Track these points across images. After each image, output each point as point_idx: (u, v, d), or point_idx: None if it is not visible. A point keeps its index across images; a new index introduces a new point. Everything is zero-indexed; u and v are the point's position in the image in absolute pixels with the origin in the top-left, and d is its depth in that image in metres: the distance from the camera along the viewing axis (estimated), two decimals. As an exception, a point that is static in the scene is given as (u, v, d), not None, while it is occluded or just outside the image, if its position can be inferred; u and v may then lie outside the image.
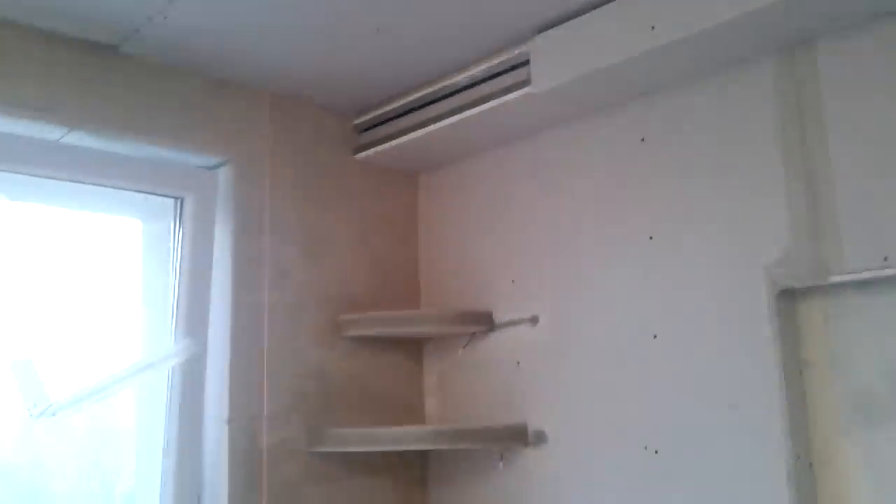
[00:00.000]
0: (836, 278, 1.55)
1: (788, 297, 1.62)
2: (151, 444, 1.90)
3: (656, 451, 1.74)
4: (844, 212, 1.54)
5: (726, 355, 1.66)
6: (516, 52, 1.85)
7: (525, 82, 1.84)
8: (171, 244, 1.97)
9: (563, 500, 1.89)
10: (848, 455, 1.56)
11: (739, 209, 1.68)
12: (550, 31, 1.80)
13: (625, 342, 1.82)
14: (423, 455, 2.19)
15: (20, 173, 1.78)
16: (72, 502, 1.94)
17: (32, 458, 1.90)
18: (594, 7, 1.72)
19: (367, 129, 2.20)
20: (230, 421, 1.87)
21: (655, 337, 1.77)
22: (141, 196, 1.97)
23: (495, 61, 1.90)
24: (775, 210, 1.62)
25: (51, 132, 1.76)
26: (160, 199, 1.99)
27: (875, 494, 1.52)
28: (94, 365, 1.83)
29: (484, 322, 2.09)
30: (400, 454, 2.12)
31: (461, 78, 1.96)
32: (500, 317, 2.08)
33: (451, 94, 1.99)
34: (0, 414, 1.85)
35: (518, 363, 2.03)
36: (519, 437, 1.97)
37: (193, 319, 1.91)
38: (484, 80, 1.93)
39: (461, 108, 1.96)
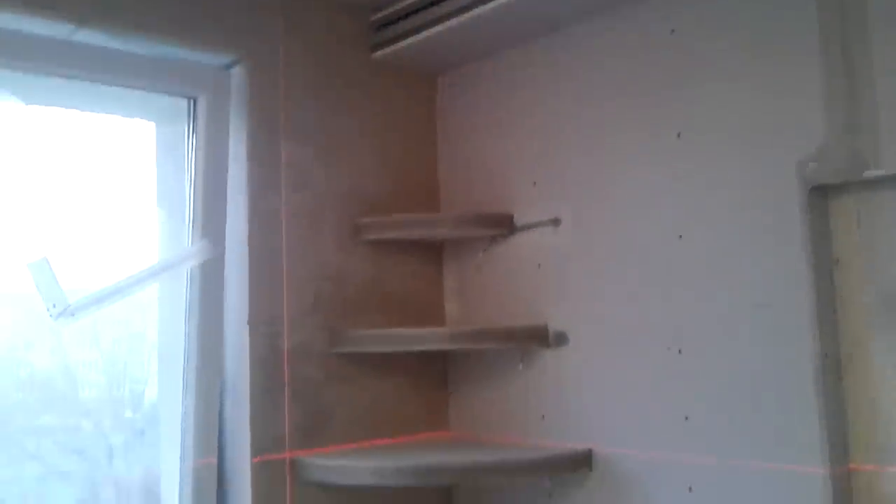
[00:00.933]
0: (871, 174, 1.50)
1: (821, 194, 1.58)
2: (173, 347, 1.91)
3: (679, 351, 1.73)
4: (882, 107, 1.48)
5: (754, 254, 1.62)
6: (540, -61, 1.77)
7: (549, -29, 1.76)
8: (186, 146, 1.93)
9: (584, 400, 1.89)
10: (876, 353, 1.54)
11: (772, 104, 1.61)
12: (577, -85, 1.71)
13: (649, 243, 1.79)
14: (443, 356, 2.19)
15: (31, 72, 1.74)
16: (101, 409, 1.96)
17: (62, 367, 1.92)
18: None
19: (384, 26, 2.12)
20: (250, 323, 1.86)
21: (681, 237, 1.74)
22: (154, 97, 1.93)
23: (518, -51, 1.81)
24: (810, 105, 1.56)
25: (60, 29, 1.70)
26: (173, 100, 1.95)
27: (903, 392, 1.51)
28: (112, 266, 1.81)
29: (504, 225, 2.05)
30: (420, 356, 2.12)
31: (483, -31, 1.88)
32: (520, 219, 2.05)
33: (473, -14, 1.91)
34: (30, 325, 1.87)
35: (539, 265, 2.00)
36: (539, 338, 1.96)
37: (210, 222, 1.89)
38: (507, -29, 1.85)
39: (483, 1, 1.88)
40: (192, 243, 1.87)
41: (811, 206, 1.56)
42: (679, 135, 1.75)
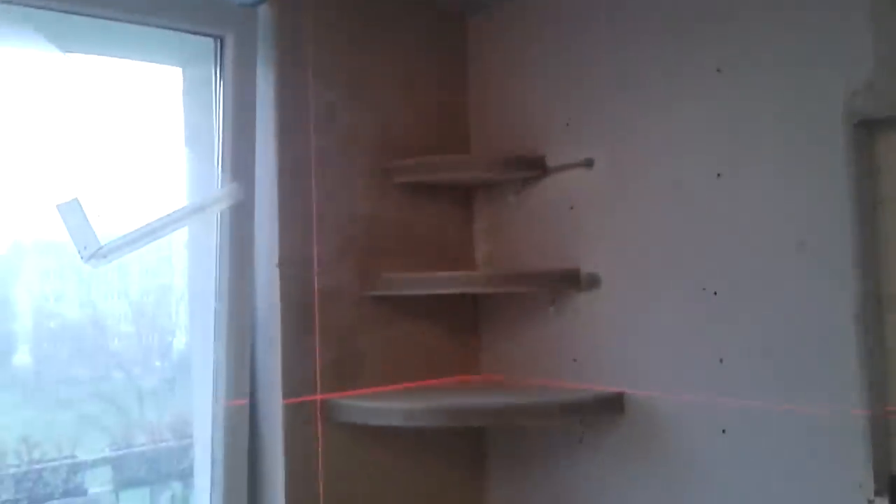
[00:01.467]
0: (921, 108, 1.45)
1: (866, 129, 1.52)
2: (204, 290, 1.91)
3: (715, 293, 1.70)
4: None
5: (796, 192, 1.58)
6: None
7: None
8: (213, 88, 1.91)
9: (616, 343, 1.87)
10: (921, 294, 1.50)
11: (817, 35, 1.55)
12: None
13: (687, 182, 1.75)
14: (474, 300, 2.18)
15: (52, 9, 1.71)
16: (131, 358, 1.99)
17: (92, 318, 1.94)
18: None
19: (412, -37, 2.07)
20: (280, 266, 1.86)
21: (720, 176, 1.69)
22: (181, 39, 1.90)
23: None
24: (857, 36, 1.50)
25: (84, -34, 1.68)
26: (200, 41, 1.91)
27: (947, 333, 1.47)
28: (142, 209, 1.81)
29: (536, 167, 2.02)
30: (451, 299, 2.11)
31: None
32: (552, 161, 2.01)
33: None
34: (60, 277, 1.88)
35: (571, 208, 1.97)
36: (571, 280, 1.94)
37: (239, 164, 1.87)
38: None
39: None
40: (221, 186, 1.86)
41: (856, 141, 1.51)
42: (719, 70, 1.69)
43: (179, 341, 2.10)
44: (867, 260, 1.51)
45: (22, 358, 1.91)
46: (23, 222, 1.82)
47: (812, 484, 1.56)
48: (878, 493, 1.47)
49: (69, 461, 1.91)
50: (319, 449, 1.87)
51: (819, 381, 1.55)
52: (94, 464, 2.00)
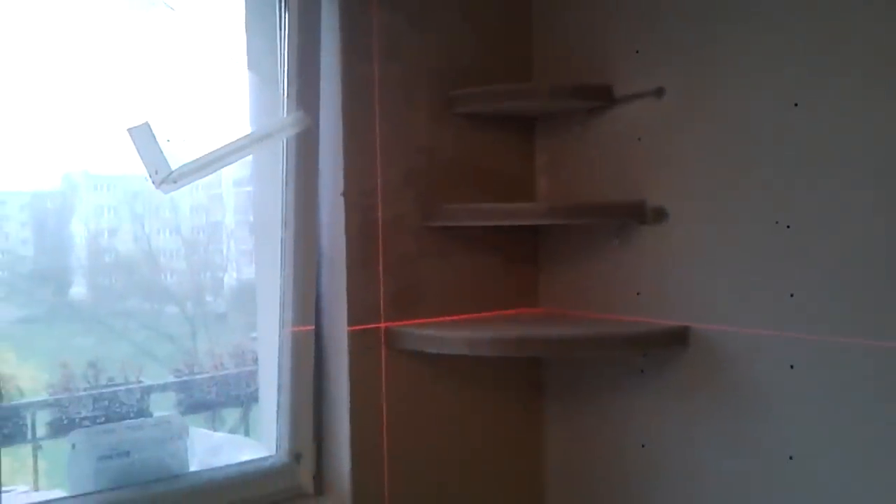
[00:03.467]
0: None
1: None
2: (269, 218, 1.92)
3: (788, 226, 1.66)
4: None
5: (875, 120, 1.53)
6: None
7: None
8: (277, 12, 1.89)
9: (682, 277, 1.85)
10: None
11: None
12: None
13: (761, 111, 1.70)
14: (534, 232, 2.17)
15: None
16: (182, 293, 2.02)
17: (146, 254, 1.97)
18: None
19: None
20: (345, 195, 1.86)
21: (797, 105, 1.64)
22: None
23: None
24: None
25: None
26: (262, -34, 1.90)
27: None
28: (207, 135, 1.82)
29: (602, 96, 1.97)
30: (512, 231, 2.10)
31: None
32: (620, 90, 1.96)
33: None
34: (114, 212, 1.91)
35: (639, 139, 1.93)
36: (636, 213, 1.91)
37: (304, 92, 1.86)
38: None
39: None
40: (286, 113, 1.86)
41: (945, 68, 1.45)
42: (800, -6, 1.63)
43: (231, 277, 2.13)
44: (952, 192, 1.46)
45: (79, 291, 1.96)
46: (75, 156, 1.84)
47: (882, 421, 1.54)
48: (950, 430, 1.45)
49: (137, 386, 1.97)
50: (383, 375, 1.90)
51: (892, 317, 1.52)
52: (161, 388, 2.07)
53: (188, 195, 2.04)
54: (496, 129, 2.11)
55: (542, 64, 2.15)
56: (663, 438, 1.89)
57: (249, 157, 1.96)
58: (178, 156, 1.73)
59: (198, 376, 2.11)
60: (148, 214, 1.98)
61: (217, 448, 1.95)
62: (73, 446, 1.69)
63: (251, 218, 2.11)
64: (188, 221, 2.06)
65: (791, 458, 1.67)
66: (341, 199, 1.86)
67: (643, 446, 1.93)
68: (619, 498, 1.99)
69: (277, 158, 1.89)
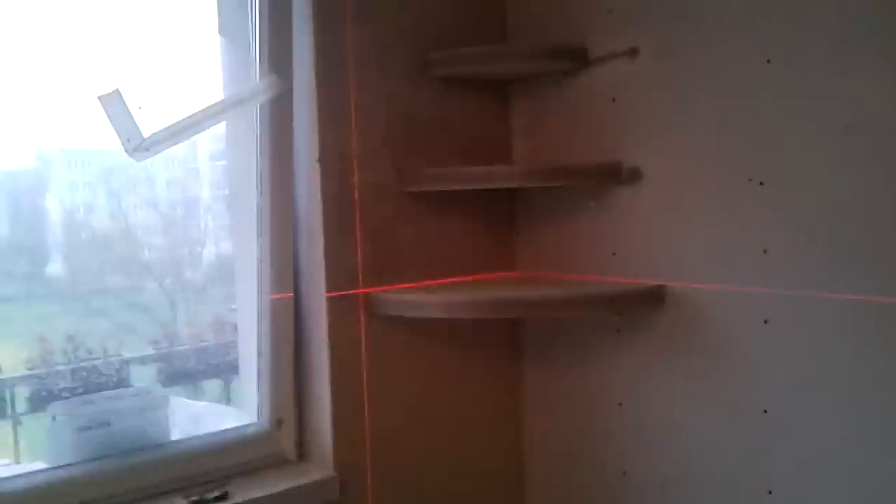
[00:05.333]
0: None
1: (927, 9, 1.47)
2: (244, 185, 1.91)
3: (761, 183, 1.68)
4: None
5: (847, 76, 1.53)
6: None
7: None
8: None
9: (657, 236, 1.87)
10: (976, 179, 1.47)
11: None
12: None
13: (734, 69, 1.70)
14: (511, 196, 2.17)
15: None
16: (161, 268, 2.01)
17: (123, 230, 1.95)
18: None
19: None
20: (321, 160, 1.85)
21: (769, 62, 1.65)
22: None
23: None
24: None
25: None
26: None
27: None
28: (179, 101, 1.80)
29: (577, 57, 1.97)
30: (489, 195, 2.10)
31: None
32: (595, 51, 1.96)
33: None
34: (89, 188, 1.89)
35: (613, 100, 1.93)
36: (612, 174, 1.92)
37: (276, 54, 1.84)
38: None
39: None
40: (259, 78, 1.84)
41: (916, 22, 1.46)
42: (772, -50, 1.63)
43: (209, 252, 2.12)
44: (922, 145, 1.48)
45: (56, 268, 1.94)
46: (48, 133, 1.81)
47: (854, 372, 1.57)
48: (921, 379, 1.48)
49: (116, 358, 1.97)
50: (362, 341, 1.90)
51: (865, 269, 1.54)
52: (141, 360, 2.06)
53: (164, 170, 2.02)
54: (472, 92, 2.10)
55: (517, 25, 2.14)
56: (641, 397, 1.92)
57: (223, 128, 1.95)
58: (151, 123, 1.71)
59: (178, 348, 2.10)
60: (124, 190, 1.96)
61: (198, 417, 1.95)
62: (54, 418, 1.69)
63: (227, 190, 2.10)
64: (165, 196, 2.04)
65: (765, 411, 1.70)
66: (317, 165, 1.85)
67: (621, 405, 1.96)
68: (597, 457, 2.02)
69: (251, 126, 1.87)
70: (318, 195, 1.85)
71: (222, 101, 1.79)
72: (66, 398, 1.77)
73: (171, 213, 2.06)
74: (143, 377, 2.01)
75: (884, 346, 1.52)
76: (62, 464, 1.67)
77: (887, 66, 1.48)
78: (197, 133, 1.77)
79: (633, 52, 1.88)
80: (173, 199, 2.07)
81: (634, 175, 1.90)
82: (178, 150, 2.01)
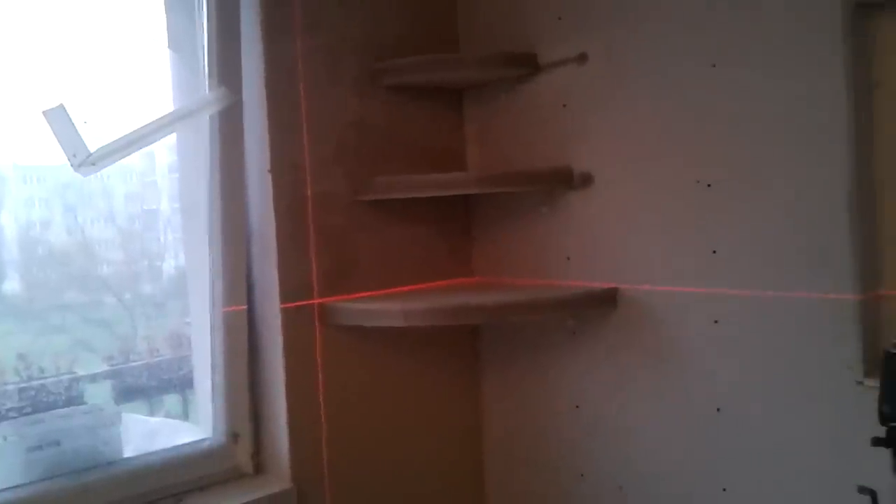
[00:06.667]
0: (918, -10, 1.43)
1: (862, 13, 1.51)
2: (195, 197, 1.89)
3: (709, 185, 1.71)
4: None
5: (791, 79, 1.57)
6: None
7: None
8: (196, -12, 1.86)
9: (609, 240, 1.89)
10: (913, 177, 1.52)
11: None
12: None
13: (681, 74, 1.73)
14: (466, 202, 2.18)
15: None
16: (119, 282, 1.98)
17: (80, 245, 1.92)
18: None
19: None
20: (272, 171, 1.84)
21: (714, 66, 1.68)
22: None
23: None
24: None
25: None
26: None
27: (938, 215, 1.49)
28: (129, 116, 1.78)
29: (528, 64, 1.99)
30: (444, 202, 2.11)
31: None
32: (545, 57, 1.98)
33: None
34: (45, 204, 1.86)
35: (564, 105, 1.95)
36: (564, 179, 1.94)
37: (225, 67, 1.83)
38: None
39: None
40: (208, 90, 1.83)
41: (853, 24, 1.49)
42: (713, -43, 1.66)
43: (169, 265, 2.10)
44: (861, 145, 1.52)
45: (12, 285, 1.91)
46: (1, 148, 1.78)
47: (803, 369, 1.60)
48: (867, 374, 1.51)
49: (68, 376, 1.93)
50: (318, 351, 1.89)
51: (812, 269, 1.58)
52: (94, 378, 2.03)
53: (122, 183, 2.00)
54: (424, 100, 2.11)
55: (467, 33, 2.15)
56: (596, 398, 1.94)
57: (176, 141, 1.93)
58: (98, 137, 1.69)
59: (133, 363, 2.07)
60: (80, 205, 1.93)
61: (152, 433, 1.92)
62: (4, 438, 1.66)
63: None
64: (123, 210, 2.02)
65: (718, 410, 1.72)
66: (269, 176, 1.84)
67: (577, 407, 1.97)
68: (555, 458, 2.03)
69: (203, 138, 1.86)
70: (271, 206, 1.84)
71: (170, 113, 1.78)
72: (15, 418, 1.74)
73: (130, 226, 2.03)
74: (97, 394, 1.98)
75: (830, 342, 1.55)
76: (12, 485, 1.63)
77: (827, 70, 1.52)
78: (145, 146, 1.75)
79: (582, 58, 1.90)
80: (131, 213, 2.04)
81: (585, 180, 1.92)
82: (137, 163, 2.01)
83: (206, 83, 1.83)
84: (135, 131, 1.72)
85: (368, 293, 1.99)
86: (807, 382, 1.60)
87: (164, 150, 1.98)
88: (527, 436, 2.09)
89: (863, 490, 1.31)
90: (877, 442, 1.27)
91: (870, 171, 1.54)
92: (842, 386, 1.54)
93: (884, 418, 1.26)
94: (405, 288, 2.07)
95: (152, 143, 1.77)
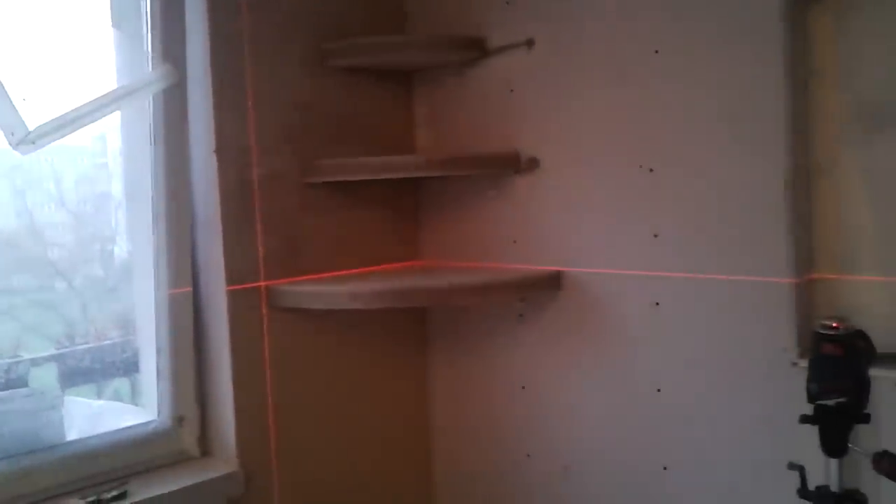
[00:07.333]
0: (853, -20, 1.47)
1: (802, 2, 1.54)
2: (140, 177, 1.87)
3: (651, 170, 1.73)
4: None
5: (731, 66, 1.60)
6: None
7: None
8: (138, -36, 1.82)
9: (555, 223, 1.91)
10: (847, 164, 1.56)
11: None
12: None
13: (625, 59, 1.76)
14: (415, 186, 2.18)
15: None
16: (71, 268, 1.95)
17: (29, 229, 1.88)
18: None
19: None
20: (218, 151, 1.82)
21: (657, 52, 1.70)
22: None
23: None
24: None
25: None
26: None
27: (871, 202, 1.54)
28: (71, 94, 1.74)
29: (476, 48, 1.99)
30: (392, 185, 2.11)
31: None
32: (493, 42, 1.98)
33: None
34: None
35: (511, 90, 1.96)
36: (511, 163, 1.95)
37: (169, 45, 1.81)
38: None
39: None
40: (152, 68, 1.80)
41: (791, 14, 1.52)
42: (657, -56, 1.68)
43: (121, 249, 2.07)
44: (797, 134, 1.55)
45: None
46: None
47: (740, 350, 1.64)
48: (801, 355, 1.56)
49: (12, 360, 1.90)
50: (265, 334, 1.89)
51: (749, 253, 1.61)
52: (39, 362, 2.00)
53: (73, 166, 1.96)
54: (374, 82, 2.11)
55: (416, 15, 2.15)
56: (542, 379, 1.96)
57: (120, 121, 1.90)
58: (38, 115, 1.65)
59: (80, 347, 2.04)
60: (29, 187, 1.89)
61: (97, 416, 1.90)
62: (-54, 424, 1.63)
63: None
64: (73, 193, 1.98)
65: (659, 390, 1.76)
66: (214, 157, 1.82)
67: (523, 388, 2.00)
68: (502, 440, 2.06)
69: (147, 118, 1.83)
70: (216, 187, 1.82)
71: (112, 91, 1.75)
72: (-46, 403, 1.71)
73: (80, 210, 2.00)
74: (42, 378, 1.95)
75: (766, 325, 1.60)
76: (-49, 471, 1.61)
77: (766, 58, 1.55)
78: (86, 124, 1.71)
79: (529, 44, 1.91)
80: (82, 196, 2.01)
81: (532, 164, 1.93)
82: (88, 145, 1.97)
83: (150, 60, 1.80)
84: (75, 109, 1.69)
85: (317, 276, 1.99)
86: (744, 363, 1.64)
87: (116, 132, 1.95)
88: (474, 417, 2.12)
89: (792, 466, 1.35)
90: (805, 419, 1.31)
91: (806, 158, 1.58)
92: (777, 367, 1.58)
93: (811, 396, 1.30)
94: (354, 271, 2.07)
95: (93, 121, 1.74)
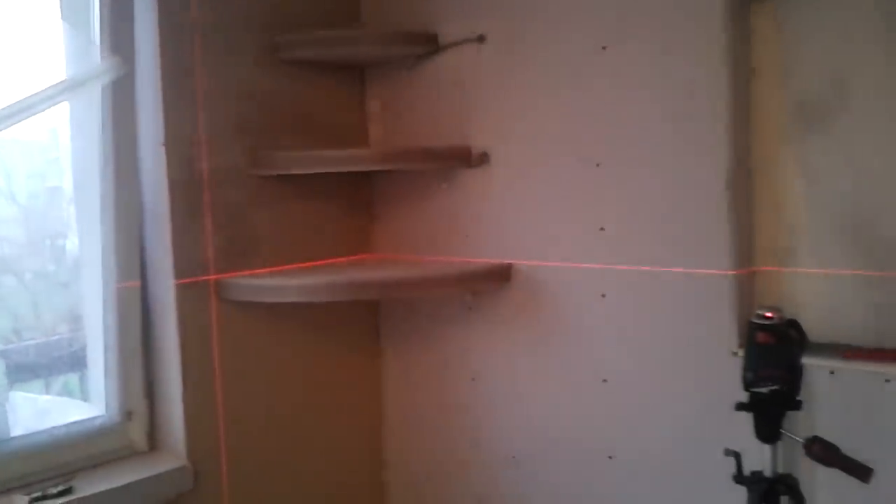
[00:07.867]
0: (792, -20, 1.51)
1: (744, 1, 1.58)
2: (88, 169, 1.85)
3: (598, 165, 1.76)
4: None
5: (675, 64, 1.64)
6: None
7: None
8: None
9: (505, 217, 1.94)
10: (786, 162, 1.60)
11: None
12: None
13: (573, 56, 1.78)
14: (367, 179, 2.19)
15: None
16: (20, 263, 1.92)
17: None
18: None
19: None
20: (166, 144, 1.81)
21: (605, 48, 1.73)
22: None
23: None
24: None
25: None
26: None
27: (809, 197, 1.58)
28: (18, 84, 1.72)
29: (428, 43, 2.00)
30: (344, 178, 2.12)
31: None
32: (445, 37, 2.00)
33: None
34: None
35: (463, 85, 1.98)
36: (462, 158, 1.97)
37: (117, 37, 1.79)
38: None
39: None
40: (101, 59, 1.78)
41: (732, 14, 1.56)
42: (603, -56, 1.71)
43: (72, 243, 2.04)
44: (738, 130, 1.59)
45: None
46: None
47: (683, 340, 1.68)
48: (741, 345, 1.60)
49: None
50: (214, 328, 1.88)
51: (692, 246, 1.65)
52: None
53: (24, 161, 1.93)
54: (327, 75, 2.11)
55: (370, 10, 2.16)
56: (491, 370, 1.99)
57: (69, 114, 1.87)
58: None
59: (28, 342, 2.01)
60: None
61: (44, 412, 1.88)
62: None
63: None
64: (24, 187, 1.95)
65: (605, 381, 1.79)
66: (162, 149, 1.81)
67: (473, 379, 2.02)
68: (452, 431, 2.07)
69: (95, 110, 1.81)
70: (164, 180, 1.81)
71: (59, 83, 1.73)
72: None
73: (31, 204, 1.97)
74: (-12, 374, 1.92)
75: (707, 316, 1.63)
76: None
77: (709, 56, 1.58)
78: (31, 116, 1.69)
79: (480, 39, 1.93)
80: (32, 190, 1.98)
81: (483, 158, 1.95)
82: (39, 139, 1.94)
83: (98, 52, 1.78)
84: (22, 100, 1.66)
85: (268, 269, 1.98)
86: (686, 354, 1.68)
87: (68, 126, 1.93)
88: (425, 407, 2.14)
89: (729, 453, 1.39)
90: (740, 407, 1.34)
91: (746, 154, 1.62)
92: (718, 357, 1.62)
93: (746, 384, 1.33)
94: (306, 264, 2.07)
95: (40, 112, 1.71)
